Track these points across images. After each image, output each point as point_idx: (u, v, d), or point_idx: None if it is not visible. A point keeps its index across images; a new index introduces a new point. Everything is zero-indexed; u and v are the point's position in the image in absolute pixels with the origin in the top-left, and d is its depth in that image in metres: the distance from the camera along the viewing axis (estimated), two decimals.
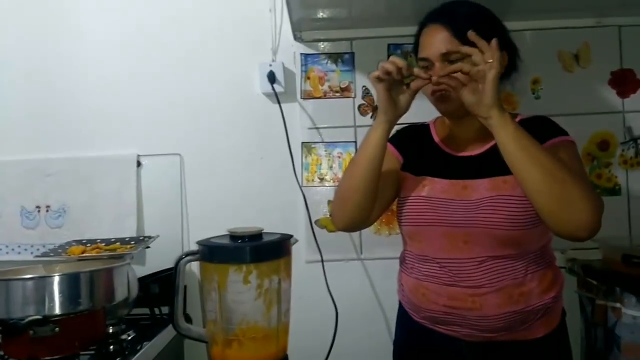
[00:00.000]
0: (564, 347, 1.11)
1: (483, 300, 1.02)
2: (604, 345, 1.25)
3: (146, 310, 1.39)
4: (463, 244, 1.03)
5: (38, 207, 1.53)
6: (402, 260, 1.19)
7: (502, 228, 1.00)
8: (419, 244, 1.11)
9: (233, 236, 0.90)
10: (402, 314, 1.21)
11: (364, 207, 1.09)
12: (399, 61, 1.00)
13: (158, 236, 1.38)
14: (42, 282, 0.94)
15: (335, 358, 1.48)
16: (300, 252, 1.56)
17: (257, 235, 0.90)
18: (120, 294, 1.05)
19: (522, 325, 1.04)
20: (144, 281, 1.46)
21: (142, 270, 1.46)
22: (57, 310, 0.93)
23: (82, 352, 0.99)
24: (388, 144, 1.16)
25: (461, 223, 1.02)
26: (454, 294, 1.04)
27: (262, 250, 0.88)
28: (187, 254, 0.90)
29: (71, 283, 0.94)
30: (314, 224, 1.58)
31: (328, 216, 1.58)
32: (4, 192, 1.55)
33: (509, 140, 0.95)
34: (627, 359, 1.17)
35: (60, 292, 0.93)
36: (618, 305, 1.21)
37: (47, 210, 1.52)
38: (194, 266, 1.50)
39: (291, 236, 0.93)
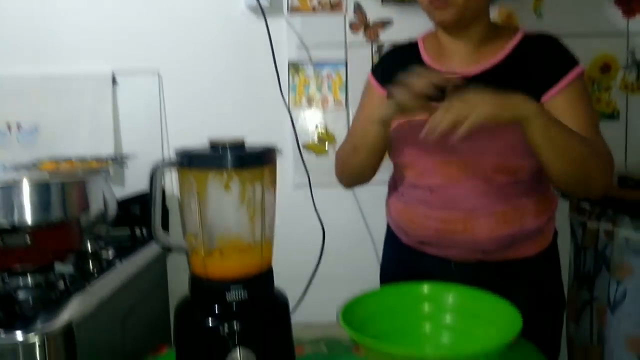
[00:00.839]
0: (554, 265, 1.10)
1: (475, 223, 0.98)
2: (593, 267, 1.25)
3: (128, 232, 1.35)
4: (456, 171, 0.98)
5: (9, 125, 1.44)
6: (391, 185, 1.15)
7: (499, 156, 0.95)
8: (409, 171, 1.06)
9: (214, 146, 0.83)
10: (390, 235, 1.18)
11: (371, 174, 1.11)
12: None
13: (135, 155, 1.32)
14: (11, 191, 0.88)
15: (321, 279, 1.47)
16: (287, 177, 1.51)
17: (240, 145, 0.84)
18: (95, 207, 1.00)
19: (513, 245, 1.02)
20: (124, 202, 1.41)
21: (121, 192, 1.40)
22: (28, 220, 0.88)
23: (57, 265, 0.95)
24: (372, 80, 1.10)
25: (454, 150, 0.95)
26: (445, 218, 1.00)
27: (245, 157, 0.82)
28: (165, 162, 0.84)
29: (41, 192, 0.88)
30: (301, 148, 1.52)
31: (316, 141, 1.52)
32: None
33: (538, 135, 0.86)
34: (615, 278, 1.17)
35: (31, 201, 0.87)
36: (610, 227, 1.19)
37: (18, 129, 1.44)
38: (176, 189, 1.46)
39: (275, 147, 0.87)
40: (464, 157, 0.96)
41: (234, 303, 0.81)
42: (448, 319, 0.91)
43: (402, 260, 1.14)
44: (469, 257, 1.03)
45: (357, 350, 0.98)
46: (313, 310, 1.33)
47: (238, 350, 0.78)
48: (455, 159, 0.98)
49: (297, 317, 1.12)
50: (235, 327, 0.79)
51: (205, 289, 0.83)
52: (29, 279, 0.90)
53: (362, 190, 1.53)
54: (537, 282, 1.05)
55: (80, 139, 1.43)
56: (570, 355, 1.35)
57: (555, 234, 1.10)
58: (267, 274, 0.87)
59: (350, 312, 0.86)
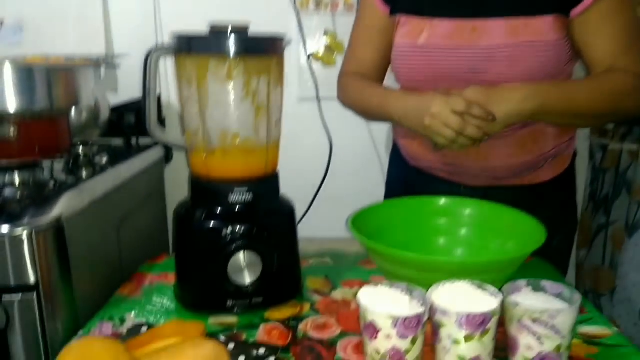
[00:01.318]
0: (570, 188, 1.04)
1: (490, 150, 0.90)
2: (612, 190, 1.19)
3: (122, 143, 1.27)
4: None
5: None
6: None
7: (518, 81, 0.85)
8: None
9: (215, 31, 0.74)
10: (396, 154, 1.11)
11: None
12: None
13: (128, 55, 1.21)
14: None
15: (326, 197, 1.42)
16: (291, 89, 1.41)
17: (243, 31, 0.74)
18: (85, 103, 0.91)
19: (530, 170, 0.95)
20: (117, 110, 1.33)
21: (115, 98, 1.31)
22: (10, 108, 0.79)
23: (46, 164, 0.88)
24: None
25: (466, 78, 0.86)
26: None
27: (250, 43, 0.73)
28: (160, 48, 0.75)
29: (25, 77, 0.79)
30: (308, 57, 1.41)
31: (323, 50, 1.40)
32: None
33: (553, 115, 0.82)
34: (636, 200, 1.12)
35: (14, 85, 0.78)
36: (635, 147, 1.12)
37: (1, 25, 1.32)
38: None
39: (283, 36, 0.78)
40: (474, 84, 0.87)
41: (238, 205, 0.75)
42: (464, 232, 0.86)
43: (408, 180, 1.07)
44: (480, 182, 0.97)
45: (363, 264, 0.94)
46: (317, 227, 1.29)
47: (242, 254, 0.73)
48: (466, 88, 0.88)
49: (301, 233, 1.08)
50: (239, 230, 0.73)
51: (206, 190, 0.77)
52: (16, 176, 0.83)
53: None
54: (551, 205, 0.99)
55: (69, 38, 1.32)
56: (578, 281, 1.33)
57: (575, 155, 1.03)
58: (272, 178, 0.80)
59: (361, 221, 0.81)
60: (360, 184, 1.43)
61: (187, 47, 0.72)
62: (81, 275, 0.78)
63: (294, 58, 1.39)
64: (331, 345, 0.68)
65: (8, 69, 0.78)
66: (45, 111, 0.81)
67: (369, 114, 1.01)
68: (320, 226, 1.29)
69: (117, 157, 1.05)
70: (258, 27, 1.40)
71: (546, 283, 0.59)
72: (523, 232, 0.78)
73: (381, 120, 1.00)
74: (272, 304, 0.77)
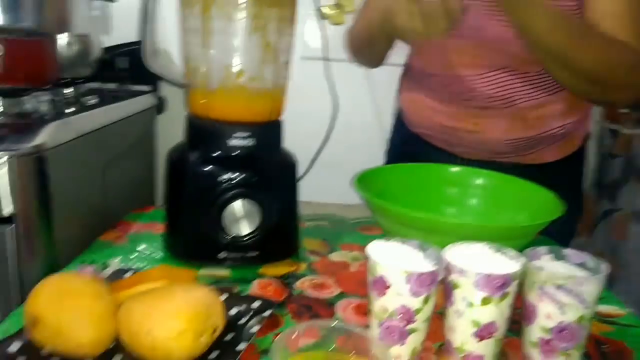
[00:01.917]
0: (577, 171, 0.99)
1: (487, 123, 0.85)
2: (621, 176, 1.16)
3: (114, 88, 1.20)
4: (471, 58, 0.83)
5: None
6: (405, 70, 1.02)
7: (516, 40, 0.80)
8: (420, 57, 0.93)
9: None
10: (398, 119, 1.07)
11: (383, 58, 0.98)
12: None
13: None
14: None
15: (325, 162, 1.36)
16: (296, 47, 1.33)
17: None
18: (74, 29, 0.84)
19: (532, 149, 0.89)
20: (110, 52, 1.25)
21: (107, 41, 1.23)
22: None
23: (33, 96, 0.81)
24: None
25: (469, 33, 0.80)
26: (454, 114, 0.88)
27: None
28: None
29: None
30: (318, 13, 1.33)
31: (332, 7, 1.33)
32: None
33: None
34: None
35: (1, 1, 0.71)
36: None
37: None
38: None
39: None
40: (478, 40, 0.81)
41: (238, 150, 0.69)
42: (474, 202, 0.82)
43: (407, 148, 1.03)
44: (478, 156, 0.92)
45: (363, 230, 0.89)
46: (315, 192, 1.24)
47: (240, 203, 0.68)
48: (470, 44, 0.83)
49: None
50: (237, 177, 0.68)
51: (204, 133, 0.71)
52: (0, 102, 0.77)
53: (378, 72, 1.39)
54: (554, 188, 0.94)
55: None
56: None
57: (587, 137, 0.98)
58: (276, 126, 0.75)
59: (366, 182, 0.76)
60: (361, 152, 1.37)
61: None
62: (62, 212, 0.72)
63: (299, 11, 1.32)
64: (330, 305, 0.64)
65: None
66: (32, 31, 0.73)
67: (372, 40, 0.94)
68: (318, 191, 1.24)
69: (108, 99, 0.98)
70: None
71: (569, 251, 0.55)
72: (537, 205, 0.74)
73: (383, 41, 0.92)
74: (268, 259, 0.72)
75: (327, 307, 0.63)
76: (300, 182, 1.36)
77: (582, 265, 0.54)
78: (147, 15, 0.69)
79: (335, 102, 1.34)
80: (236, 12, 0.65)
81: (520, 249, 0.54)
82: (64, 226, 0.73)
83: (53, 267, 0.69)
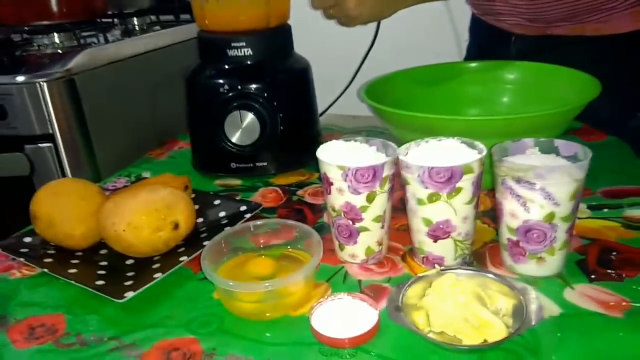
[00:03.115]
0: None
1: None
2: None
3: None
4: None
5: None
6: None
7: None
8: None
9: None
10: (474, 22, 0.98)
11: None
12: None
13: None
14: None
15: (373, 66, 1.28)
16: None
17: None
18: None
19: (595, 13, 0.73)
20: None
21: None
22: None
23: (82, 25, 0.89)
24: None
25: None
26: None
27: None
28: None
29: None
30: None
31: None
32: None
33: None
34: None
35: None
36: None
37: None
38: None
39: None
40: None
41: (237, 60, 0.69)
42: (505, 102, 0.72)
43: (473, 37, 0.96)
44: (530, 29, 0.79)
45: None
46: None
47: (238, 114, 0.69)
48: None
49: (342, 110, 0.99)
50: (234, 87, 0.69)
51: (206, 45, 0.72)
52: (47, 37, 0.87)
53: None
54: (624, 70, 0.75)
55: None
56: None
57: None
58: (279, 32, 0.73)
59: (376, 91, 0.70)
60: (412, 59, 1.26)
61: None
62: (102, 132, 0.80)
63: None
64: (320, 210, 0.63)
65: None
66: None
67: None
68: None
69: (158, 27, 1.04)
70: None
71: (560, 142, 0.46)
72: (575, 88, 0.62)
73: None
74: (278, 169, 0.73)
75: (316, 212, 0.63)
76: (347, 94, 1.30)
77: (573, 157, 0.45)
78: None
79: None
80: None
81: None
82: (107, 144, 0.82)
83: (94, 179, 0.78)
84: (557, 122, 0.56)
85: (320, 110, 0.83)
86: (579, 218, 0.54)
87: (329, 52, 1.31)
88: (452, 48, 1.31)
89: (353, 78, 1.17)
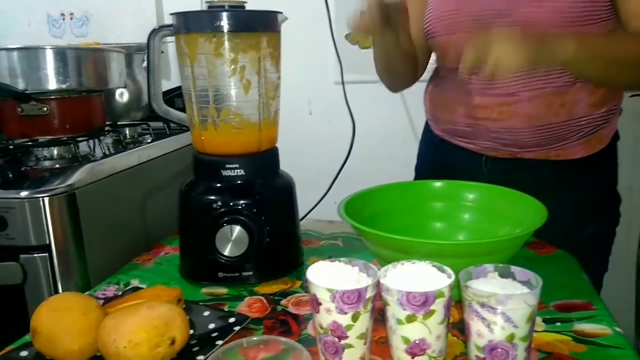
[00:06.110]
0: (607, 172, 0.94)
1: (513, 110, 0.85)
2: None
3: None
4: None
5: (62, 14, 1.47)
6: (432, 73, 1.04)
7: (546, 24, 0.79)
8: (445, 55, 0.94)
9: (211, 7, 0.76)
10: (425, 128, 1.09)
11: (410, 77, 1.04)
12: None
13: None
14: (26, 53, 0.89)
15: (350, 180, 1.38)
16: (328, 71, 1.40)
17: (239, 6, 0.76)
18: (114, 81, 0.99)
19: (557, 142, 0.87)
20: (168, 94, 1.41)
21: (167, 85, 1.40)
22: (47, 85, 0.89)
23: (78, 138, 0.96)
24: None
25: (492, 19, 0.83)
26: (479, 103, 0.88)
27: (238, 19, 0.74)
28: (162, 27, 0.79)
29: (57, 57, 0.88)
30: (343, 39, 1.38)
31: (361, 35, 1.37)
32: None
33: (581, 72, 0.79)
34: None
35: (45, 67, 0.88)
36: None
37: (71, 18, 1.47)
38: None
39: (280, 12, 0.78)
40: (501, 28, 0.81)
41: (230, 180, 0.77)
42: (466, 218, 0.81)
43: (433, 154, 1.06)
44: (502, 151, 0.91)
45: None
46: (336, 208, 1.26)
47: (229, 228, 0.75)
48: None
49: (320, 215, 1.07)
50: (227, 204, 0.76)
51: (202, 166, 0.80)
52: (47, 151, 0.93)
53: (410, 93, 1.39)
54: (580, 187, 0.91)
55: (125, 29, 1.43)
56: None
57: (616, 137, 0.92)
58: (268, 154, 0.81)
59: (354, 207, 0.78)
60: (384, 169, 1.38)
61: (177, 25, 0.76)
62: (94, 241, 0.84)
63: (329, 39, 1.35)
64: (304, 321, 0.68)
65: (49, 53, 0.88)
66: (75, 89, 0.89)
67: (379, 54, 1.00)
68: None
69: (157, 137, 1.12)
70: (291, 7, 1.36)
71: (516, 269, 0.54)
72: (531, 217, 0.71)
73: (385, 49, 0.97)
74: (263, 278, 0.78)
75: (300, 323, 0.67)
76: (325, 200, 1.39)
77: (526, 283, 0.53)
78: (151, 68, 0.80)
79: (354, 125, 1.35)
80: (215, 58, 0.73)
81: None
82: (98, 252, 0.86)
83: (87, 287, 0.81)
84: (510, 246, 0.64)
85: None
86: (536, 331, 0.60)
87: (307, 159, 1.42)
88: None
89: (332, 184, 1.28)
